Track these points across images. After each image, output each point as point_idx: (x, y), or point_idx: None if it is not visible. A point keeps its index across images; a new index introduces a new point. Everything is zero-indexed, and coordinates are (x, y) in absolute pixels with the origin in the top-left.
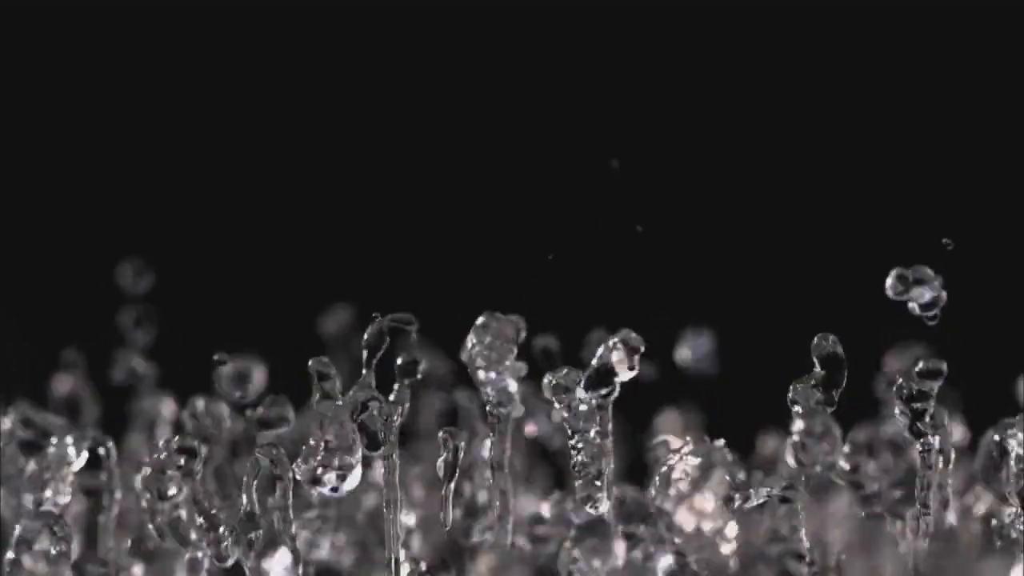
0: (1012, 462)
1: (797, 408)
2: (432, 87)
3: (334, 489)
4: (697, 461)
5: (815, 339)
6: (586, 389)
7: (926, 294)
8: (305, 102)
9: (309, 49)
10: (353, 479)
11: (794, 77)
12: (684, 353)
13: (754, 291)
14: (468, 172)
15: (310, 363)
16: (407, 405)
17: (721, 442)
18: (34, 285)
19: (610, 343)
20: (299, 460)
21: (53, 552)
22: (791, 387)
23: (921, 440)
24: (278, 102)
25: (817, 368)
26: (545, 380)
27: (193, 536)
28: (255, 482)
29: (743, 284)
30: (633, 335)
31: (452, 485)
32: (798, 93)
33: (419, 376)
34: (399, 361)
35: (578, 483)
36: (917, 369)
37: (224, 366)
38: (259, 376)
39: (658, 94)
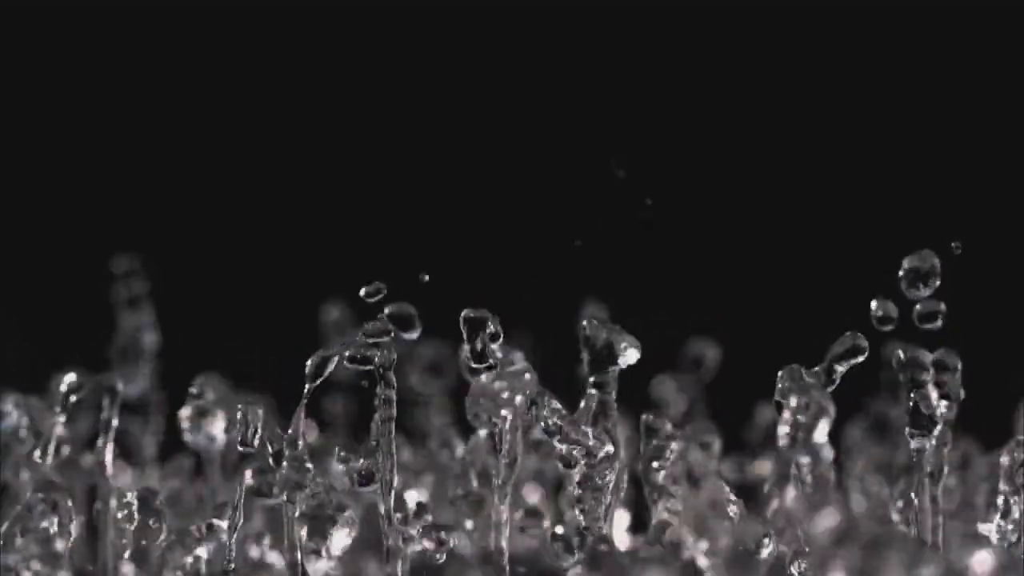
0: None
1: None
2: (432, 84)
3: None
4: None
5: (845, 335)
6: (590, 374)
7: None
8: (305, 99)
9: (309, 44)
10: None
11: (790, 78)
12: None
13: (753, 288)
14: (468, 171)
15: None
16: (391, 348)
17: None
18: (34, 285)
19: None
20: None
21: (53, 528)
22: (781, 373)
23: (919, 429)
24: (278, 99)
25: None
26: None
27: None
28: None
29: (742, 280)
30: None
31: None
32: (795, 93)
33: (414, 322)
34: (387, 310)
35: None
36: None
37: (199, 400)
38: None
39: (658, 93)
